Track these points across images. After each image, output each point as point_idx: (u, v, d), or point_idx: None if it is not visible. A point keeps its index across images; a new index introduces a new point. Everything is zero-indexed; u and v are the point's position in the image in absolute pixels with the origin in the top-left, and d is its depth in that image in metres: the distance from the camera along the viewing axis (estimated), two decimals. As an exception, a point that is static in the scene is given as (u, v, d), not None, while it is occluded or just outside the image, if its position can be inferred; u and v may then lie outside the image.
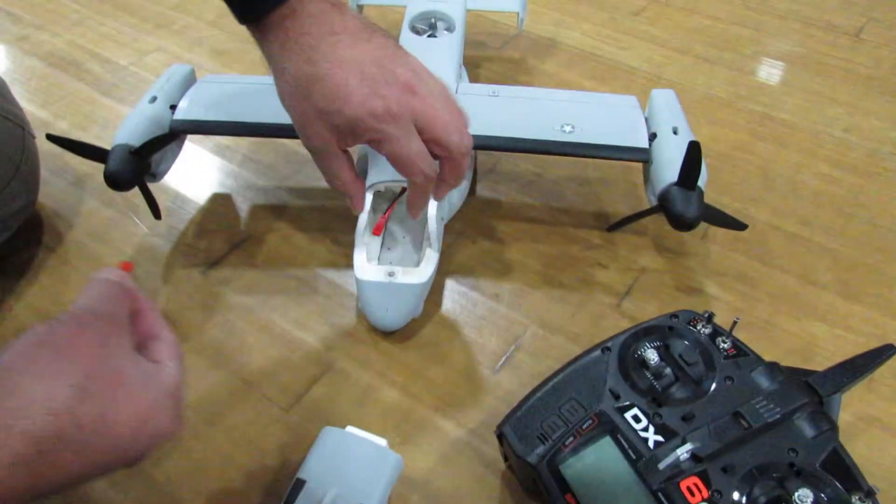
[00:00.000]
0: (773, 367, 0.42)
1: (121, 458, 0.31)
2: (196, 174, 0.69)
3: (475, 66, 0.83)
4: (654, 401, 0.41)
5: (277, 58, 0.43)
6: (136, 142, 0.55)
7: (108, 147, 0.56)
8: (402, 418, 0.49)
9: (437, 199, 0.51)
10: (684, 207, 0.52)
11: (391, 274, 0.52)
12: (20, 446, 0.27)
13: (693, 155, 0.51)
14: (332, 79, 0.42)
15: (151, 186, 0.59)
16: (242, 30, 0.45)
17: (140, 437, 0.31)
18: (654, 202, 0.55)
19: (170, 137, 0.58)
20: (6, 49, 0.86)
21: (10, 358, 0.29)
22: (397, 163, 0.45)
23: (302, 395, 0.51)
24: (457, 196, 0.62)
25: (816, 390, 0.41)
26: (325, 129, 0.44)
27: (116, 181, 0.54)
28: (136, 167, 0.55)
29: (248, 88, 0.62)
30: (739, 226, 0.55)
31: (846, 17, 0.94)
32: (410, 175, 0.46)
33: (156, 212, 0.59)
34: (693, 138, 0.56)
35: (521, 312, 0.57)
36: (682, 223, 0.52)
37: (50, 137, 0.55)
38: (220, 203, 0.66)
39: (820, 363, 0.52)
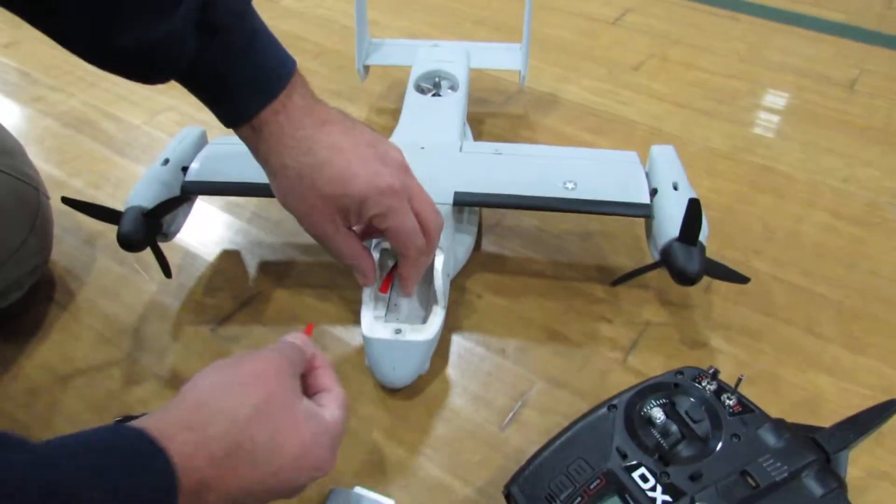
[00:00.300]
0: (779, 424, 0.43)
1: (284, 483, 0.35)
2: (205, 231, 0.70)
3: (479, 122, 0.85)
4: (662, 459, 0.41)
5: (275, 154, 0.45)
6: (148, 203, 0.57)
7: (121, 208, 0.57)
8: (411, 477, 0.49)
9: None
10: (686, 262, 0.53)
11: (398, 331, 0.53)
12: (214, 448, 0.32)
13: (693, 211, 0.52)
14: (335, 164, 0.45)
15: (162, 244, 0.60)
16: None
17: (302, 465, 0.36)
18: (657, 257, 0.56)
19: (181, 199, 0.59)
20: (22, 109, 0.89)
21: (201, 379, 0.36)
22: (398, 236, 0.48)
23: (310, 453, 0.51)
24: (462, 252, 0.63)
25: (823, 447, 0.41)
26: (333, 212, 0.46)
27: (129, 242, 0.56)
28: (149, 228, 0.57)
29: None
30: (742, 279, 0.56)
31: (840, 69, 0.97)
32: (406, 248, 0.49)
33: (166, 270, 0.60)
34: (693, 194, 0.57)
35: (527, 368, 0.57)
36: (685, 278, 0.53)
37: (65, 200, 0.57)
38: (228, 260, 0.68)
39: (826, 416, 0.53)
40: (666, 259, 0.54)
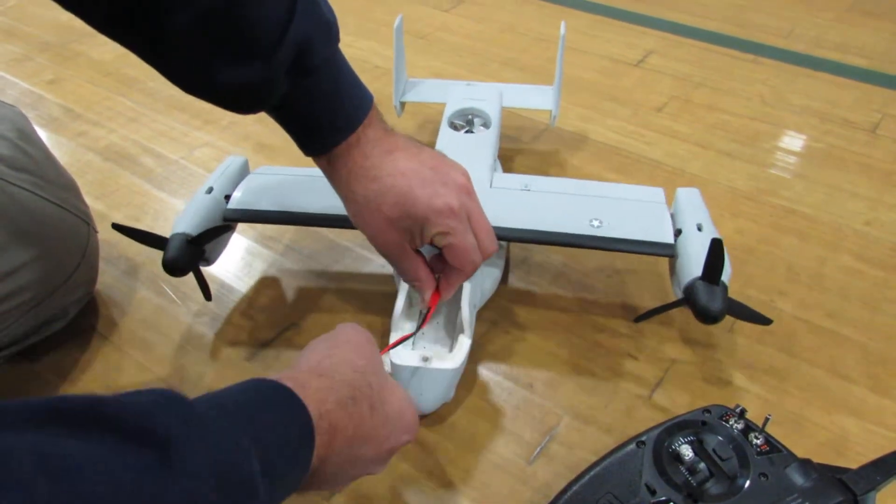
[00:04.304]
0: (806, 464, 0.43)
1: (387, 439, 0.40)
2: (240, 264, 0.73)
3: (508, 159, 0.88)
4: (690, 496, 0.42)
5: (346, 182, 0.49)
6: (192, 231, 0.59)
7: (166, 235, 0.60)
8: (440, 509, 0.50)
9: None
10: (709, 301, 0.54)
11: (425, 359, 0.54)
12: (343, 392, 0.37)
13: (716, 250, 0.53)
14: (397, 189, 0.47)
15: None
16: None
17: (400, 424, 0.41)
18: (680, 295, 0.57)
19: (224, 228, 0.62)
20: (65, 144, 0.93)
21: (313, 346, 0.41)
22: (456, 254, 0.50)
23: (342, 483, 0.52)
24: (489, 284, 0.64)
25: (851, 488, 0.42)
26: (398, 234, 0.49)
27: (174, 268, 0.58)
28: (192, 254, 0.59)
29: (297, 180, 0.66)
30: (764, 320, 0.56)
31: (862, 113, 0.98)
32: (464, 265, 0.51)
33: (207, 294, 0.63)
34: (717, 235, 0.58)
35: (554, 402, 0.58)
36: (708, 316, 0.54)
37: (115, 226, 0.60)
38: (263, 291, 0.70)
39: (853, 458, 0.53)
40: (689, 297, 0.55)
